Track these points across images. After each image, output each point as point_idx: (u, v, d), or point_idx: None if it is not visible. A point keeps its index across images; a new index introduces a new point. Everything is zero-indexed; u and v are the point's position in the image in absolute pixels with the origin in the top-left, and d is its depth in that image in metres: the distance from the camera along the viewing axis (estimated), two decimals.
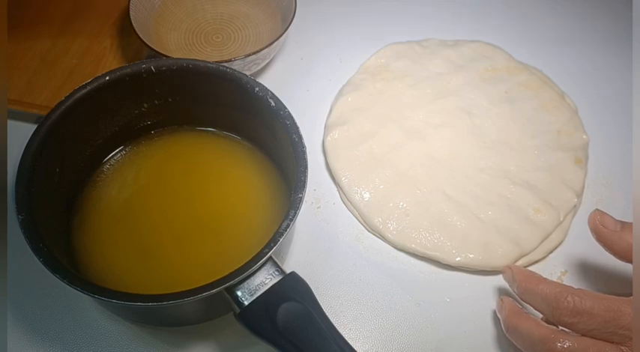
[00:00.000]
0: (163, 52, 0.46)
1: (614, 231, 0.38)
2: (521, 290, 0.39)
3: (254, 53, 0.47)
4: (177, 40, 0.53)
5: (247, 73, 0.49)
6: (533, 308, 0.38)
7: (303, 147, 0.37)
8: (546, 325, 0.36)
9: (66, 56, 0.51)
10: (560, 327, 0.36)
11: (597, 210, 0.39)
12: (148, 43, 0.47)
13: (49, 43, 0.52)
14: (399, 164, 0.47)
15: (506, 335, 0.38)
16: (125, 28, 0.53)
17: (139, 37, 0.47)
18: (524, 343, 0.37)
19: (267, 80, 0.52)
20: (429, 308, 0.42)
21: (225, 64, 0.44)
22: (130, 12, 0.49)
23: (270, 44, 0.48)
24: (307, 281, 0.34)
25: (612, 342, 0.34)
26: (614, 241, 0.38)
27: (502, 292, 0.43)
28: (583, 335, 0.35)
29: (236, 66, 0.47)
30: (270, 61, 0.52)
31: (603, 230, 0.38)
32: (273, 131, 0.40)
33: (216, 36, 0.53)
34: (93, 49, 0.52)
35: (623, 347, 0.33)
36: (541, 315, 0.38)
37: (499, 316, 0.40)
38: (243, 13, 0.54)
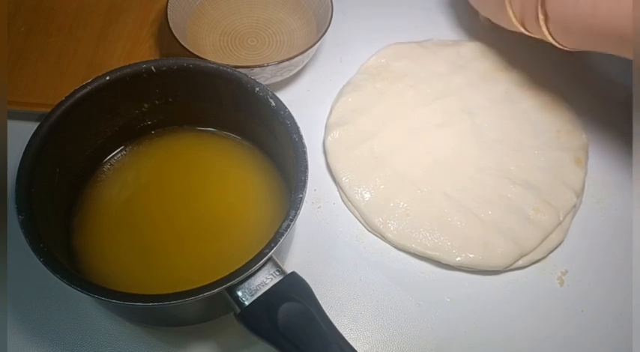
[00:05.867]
0: (199, 54, 0.46)
1: None
2: None
3: (287, 59, 0.47)
4: (212, 42, 0.52)
5: (279, 78, 0.49)
6: None
7: (304, 147, 0.37)
8: None
9: (112, 59, 0.51)
10: None
11: None
12: (183, 43, 0.47)
13: (92, 48, 0.51)
14: (399, 164, 0.47)
15: None
16: (162, 28, 0.52)
17: (176, 39, 0.47)
18: None
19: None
20: (429, 308, 0.42)
21: (256, 69, 0.45)
22: (168, 13, 0.48)
23: (305, 51, 0.47)
24: (307, 281, 0.35)
25: None
26: None
27: (502, 292, 0.43)
28: None
29: (269, 71, 0.47)
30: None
31: None
32: (273, 131, 0.40)
33: (250, 39, 0.53)
34: (137, 50, 0.51)
35: None
36: None
37: None
38: (278, 19, 0.54)
